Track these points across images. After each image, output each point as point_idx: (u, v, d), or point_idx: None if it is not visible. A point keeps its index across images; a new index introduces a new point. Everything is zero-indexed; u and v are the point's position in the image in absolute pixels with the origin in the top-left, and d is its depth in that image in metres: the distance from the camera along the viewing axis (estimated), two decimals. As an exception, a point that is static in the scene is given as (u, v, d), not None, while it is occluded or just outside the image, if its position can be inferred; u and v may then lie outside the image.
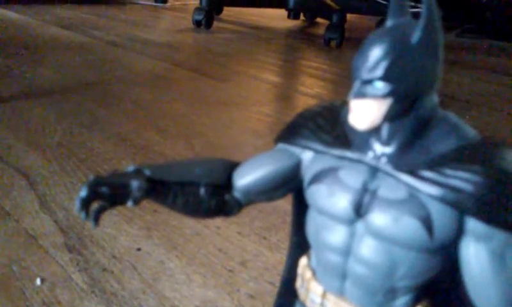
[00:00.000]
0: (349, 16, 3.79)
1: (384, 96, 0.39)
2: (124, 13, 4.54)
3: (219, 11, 4.55)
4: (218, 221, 1.22)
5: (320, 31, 3.89)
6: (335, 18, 3.64)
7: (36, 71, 2.40)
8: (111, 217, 1.19)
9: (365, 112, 0.39)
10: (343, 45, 3.56)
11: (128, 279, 0.98)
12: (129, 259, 1.04)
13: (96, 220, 0.43)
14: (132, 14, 4.55)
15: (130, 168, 0.45)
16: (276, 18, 4.88)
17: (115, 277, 0.98)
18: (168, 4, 5.30)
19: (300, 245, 0.50)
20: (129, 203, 0.43)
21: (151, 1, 5.22)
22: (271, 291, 0.98)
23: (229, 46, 3.47)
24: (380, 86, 0.38)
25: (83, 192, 0.41)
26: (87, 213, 0.41)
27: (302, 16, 4.97)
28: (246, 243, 1.14)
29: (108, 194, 0.42)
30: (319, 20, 4.78)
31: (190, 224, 1.20)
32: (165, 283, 0.98)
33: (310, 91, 2.52)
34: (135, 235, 1.13)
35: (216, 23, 4.00)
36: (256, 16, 4.96)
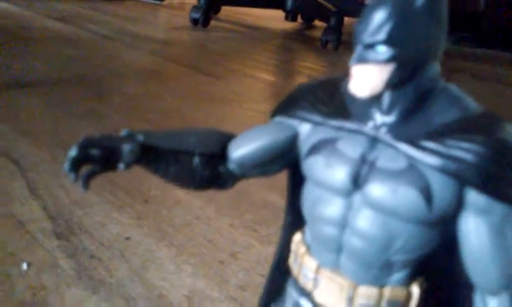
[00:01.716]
0: (346, 19, 3.80)
1: (387, 61, 0.38)
2: (121, 8, 4.52)
3: (217, 10, 4.54)
4: (209, 213, 1.21)
5: (318, 33, 3.89)
6: (332, 20, 3.65)
7: (30, 63, 2.37)
8: (101, 205, 1.18)
9: (367, 78, 0.38)
10: (340, 47, 3.57)
11: (116, 266, 0.96)
12: (118, 247, 1.03)
13: (86, 183, 0.42)
14: (129, 10, 4.53)
15: (123, 132, 0.44)
16: (273, 19, 4.88)
17: (103, 264, 0.97)
18: (166, 2, 5.28)
19: (294, 224, 0.49)
20: (120, 166, 0.42)
21: (148, -2, 5.21)
22: (262, 283, 0.96)
23: (225, 44, 3.47)
24: (383, 50, 0.37)
25: (73, 152, 0.40)
26: (76, 175, 0.40)
27: (300, 19, 4.98)
28: (237, 235, 1.13)
29: (99, 156, 0.41)
30: (316, 22, 4.79)
31: (180, 214, 1.19)
32: (153, 272, 0.96)
33: (305, 91, 2.52)
34: (124, 223, 1.12)
35: (213, 22, 3.99)
36: (254, 16, 4.96)
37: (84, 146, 0.41)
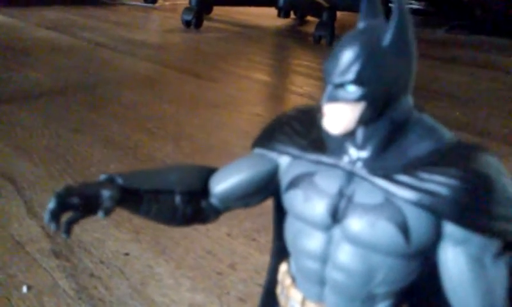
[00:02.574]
0: (339, 14, 3.79)
1: (357, 99, 0.38)
2: (113, 13, 4.51)
3: (209, 10, 4.53)
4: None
5: (311, 28, 3.88)
6: (325, 15, 3.64)
7: (23, 74, 2.37)
8: (99, 221, 1.18)
9: (339, 116, 0.39)
10: (333, 42, 3.56)
11: (116, 284, 0.97)
12: (117, 264, 1.03)
13: (68, 231, 0.42)
14: (121, 15, 4.51)
15: (102, 177, 0.44)
16: (266, 16, 4.87)
17: (103, 282, 0.97)
18: (157, 4, 5.26)
19: (283, 250, 0.49)
20: (100, 214, 0.42)
21: (140, 1, 5.19)
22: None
23: (218, 46, 3.46)
24: (352, 90, 0.38)
25: (51, 204, 0.40)
26: (57, 224, 0.40)
27: (292, 15, 4.97)
28: (236, 245, 1.14)
29: (78, 204, 0.41)
30: (309, 18, 4.78)
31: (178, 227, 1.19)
32: (153, 288, 0.97)
33: (300, 90, 2.52)
34: (123, 239, 1.12)
35: (205, 23, 3.98)
36: (246, 15, 4.94)
37: (63, 196, 0.41)
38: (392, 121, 0.40)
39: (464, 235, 0.38)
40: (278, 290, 0.48)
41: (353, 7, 4.45)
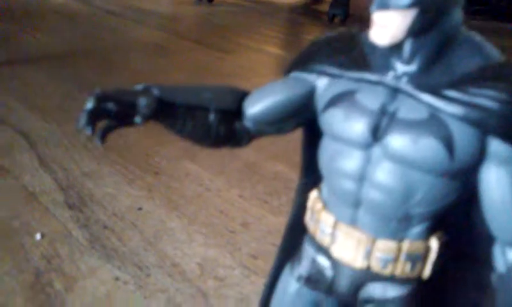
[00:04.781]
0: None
1: (409, 6, 0.36)
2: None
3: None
4: (219, 185, 1.21)
5: (325, 7, 3.84)
6: (339, -6, 3.59)
7: (37, 38, 2.36)
8: (112, 177, 1.18)
9: (388, 25, 0.37)
10: (347, 21, 3.52)
11: (129, 236, 0.97)
12: (130, 217, 1.03)
13: (103, 139, 0.41)
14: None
15: (139, 87, 0.43)
16: (279, -7, 4.81)
17: (116, 234, 0.97)
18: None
19: (309, 185, 0.48)
20: (137, 119, 0.41)
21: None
22: (274, 252, 0.97)
23: (231, 19, 3.43)
24: None
25: (89, 104, 0.39)
26: (93, 129, 0.39)
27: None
28: (248, 206, 1.13)
29: (115, 110, 0.40)
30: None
31: (190, 186, 1.19)
32: (166, 242, 0.97)
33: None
34: (136, 195, 1.12)
35: (218, -3, 3.95)
36: (259, -9, 4.88)
37: (100, 99, 0.39)
38: (442, 34, 0.38)
39: (509, 153, 0.37)
40: (307, 216, 0.47)
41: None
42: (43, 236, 0.94)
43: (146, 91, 0.42)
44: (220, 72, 2.16)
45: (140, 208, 1.07)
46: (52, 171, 1.18)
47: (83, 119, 0.39)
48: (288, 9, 4.26)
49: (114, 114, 0.40)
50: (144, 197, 1.12)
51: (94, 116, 0.39)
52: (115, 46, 2.40)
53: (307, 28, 3.58)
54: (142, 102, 0.41)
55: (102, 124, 0.42)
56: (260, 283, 0.88)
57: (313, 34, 3.31)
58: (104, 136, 0.41)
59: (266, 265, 0.93)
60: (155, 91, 0.42)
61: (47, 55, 2.11)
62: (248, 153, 1.37)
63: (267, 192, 1.20)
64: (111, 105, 0.40)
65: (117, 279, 0.85)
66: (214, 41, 2.71)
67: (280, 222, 1.08)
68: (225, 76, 2.11)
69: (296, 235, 0.50)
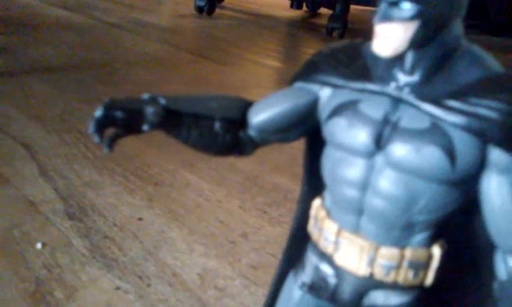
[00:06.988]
0: (352, 8, 3.78)
1: (412, 18, 0.37)
2: (125, -3, 4.50)
3: (222, -2, 4.52)
4: (219, 195, 1.21)
5: (323, 21, 3.87)
6: (338, 8, 3.63)
7: (39, 49, 2.37)
8: (112, 187, 1.18)
9: (391, 37, 0.38)
10: (345, 35, 3.55)
11: (129, 246, 0.97)
12: (130, 227, 1.04)
13: (110, 146, 0.42)
14: (134, -2, 4.51)
15: (145, 96, 0.44)
16: (278, 7, 4.86)
17: (116, 244, 0.97)
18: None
19: (311, 195, 0.49)
20: (145, 127, 0.42)
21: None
22: (273, 262, 0.97)
23: (230, 32, 3.45)
24: (407, 7, 0.37)
25: (98, 112, 0.40)
26: (101, 136, 0.40)
27: (304, 7, 4.96)
28: (247, 217, 1.14)
29: (123, 119, 0.41)
30: (321, 10, 4.76)
31: (191, 196, 1.19)
32: (166, 252, 0.97)
33: (312, 78, 2.51)
34: (136, 205, 1.13)
35: (218, 10, 3.98)
36: (259, 4, 4.94)
37: (109, 107, 0.41)
38: (443, 45, 0.39)
39: (510, 163, 0.38)
40: (310, 224, 0.47)
41: (366, 1, 4.43)
42: (43, 245, 0.94)
43: (152, 100, 0.43)
44: (220, 84, 2.17)
45: (140, 218, 1.07)
46: (52, 180, 1.18)
47: (92, 126, 0.40)
48: (287, 22, 4.30)
49: (122, 122, 0.41)
50: (145, 207, 1.12)
51: (102, 124, 0.40)
52: (117, 58, 2.42)
53: (306, 41, 3.61)
54: (149, 110, 0.42)
55: (109, 132, 0.43)
56: (260, 294, 0.88)
57: (311, 47, 3.34)
58: (111, 144, 0.42)
59: (266, 275, 0.93)
60: (162, 100, 0.44)
61: (49, 66, 2.13)
62: (248, 164, 1.37)
63: (265, 203, 1.20)
64: (119, 113, 0.41)
65: (117, 288, 0.85)
66: (214, 54, 2.73)
67: (277, 233, 1.08)
68: (225, 88, 2.12)
69: (299, 243, 0.50)
